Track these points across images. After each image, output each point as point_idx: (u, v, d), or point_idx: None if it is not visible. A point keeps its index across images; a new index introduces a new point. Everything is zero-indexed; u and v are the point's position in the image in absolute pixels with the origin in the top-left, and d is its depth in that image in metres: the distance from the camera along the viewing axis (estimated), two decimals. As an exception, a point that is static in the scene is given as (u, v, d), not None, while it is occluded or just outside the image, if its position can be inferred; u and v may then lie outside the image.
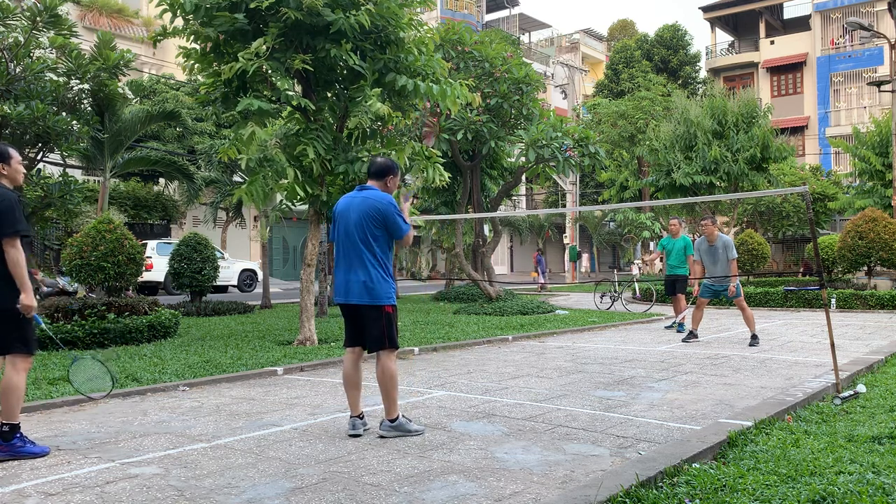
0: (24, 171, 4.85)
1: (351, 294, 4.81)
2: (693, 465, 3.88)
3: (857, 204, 24.23)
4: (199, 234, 14.61)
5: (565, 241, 33.49)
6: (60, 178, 11.19)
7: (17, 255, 4.34)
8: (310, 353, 8.53)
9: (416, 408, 5.77)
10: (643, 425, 5.09)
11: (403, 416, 4.92)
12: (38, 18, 10.13)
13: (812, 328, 11.98)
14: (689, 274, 11.32)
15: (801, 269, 26.61)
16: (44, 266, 19.58)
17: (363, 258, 4.77)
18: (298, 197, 9.49)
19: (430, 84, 9.01)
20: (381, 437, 4.79)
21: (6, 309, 4.36)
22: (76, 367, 5.92)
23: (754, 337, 9.68)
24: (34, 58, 10.49)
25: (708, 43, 62.62)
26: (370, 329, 4.82)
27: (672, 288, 11.81)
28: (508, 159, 18.75)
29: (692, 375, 7.26)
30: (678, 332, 11.46)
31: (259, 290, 21.66)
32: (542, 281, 27.75)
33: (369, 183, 5.00)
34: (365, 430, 4.89)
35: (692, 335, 10.21)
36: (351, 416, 4.88)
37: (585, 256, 41.95)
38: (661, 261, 12.36)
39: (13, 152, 4.56)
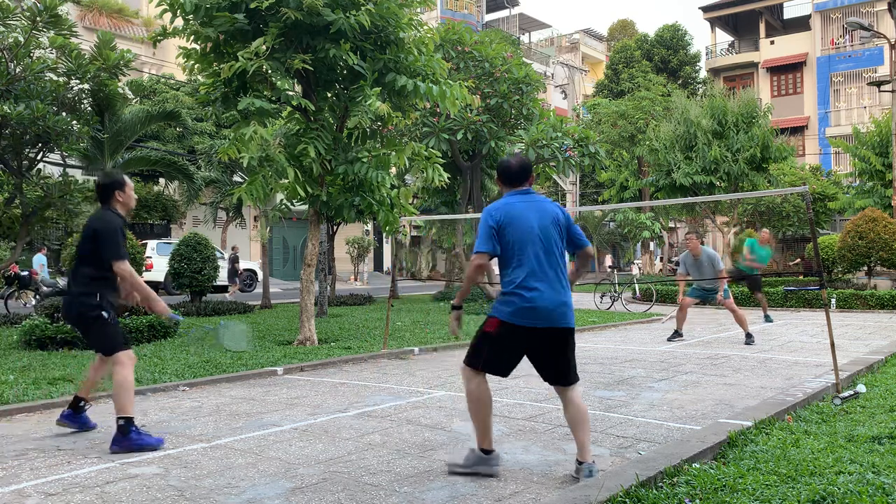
0: (136, 196, 5.19)
1: (556, 316, 3.82)
2: (693, 465, 3.88)
3: (857, 204, 24.18)
4: (199, 234, 14.61)
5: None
6: (60, 178, 11.17)
7: (125, 273, 4.64)
8: (310, 353, 8.53)
9: (417, 408, 5.77)
10: (643, 425, 5.10)
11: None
12: (38, 18, 10.10)
13: (812, 328, 11.98)
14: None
15: (798, 262, 26.48)
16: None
17: (559, 273, 3.90)
18: (298, 197, 9.49)
19: (430, 84, 9.01)
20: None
21: (92, 316, 4.68)
22: (220, 330, 6.61)
23: (749, 335, 9.76)
24: (34, 58, 10.46)
25: (708, 43, 62.58)
26: (560, 358, 3.90)
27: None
28: (509, 159, 18.72)
29: (692, 375, 7.26)
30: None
31: (259, 290, 21.65)
32: None
33: (517, 187, 4.05)
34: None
35: (677, 334, 10.26)
36: (490, 452, 3.96)
37: (609, 256, 41.98)
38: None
39: (128, 180, 4.87)
